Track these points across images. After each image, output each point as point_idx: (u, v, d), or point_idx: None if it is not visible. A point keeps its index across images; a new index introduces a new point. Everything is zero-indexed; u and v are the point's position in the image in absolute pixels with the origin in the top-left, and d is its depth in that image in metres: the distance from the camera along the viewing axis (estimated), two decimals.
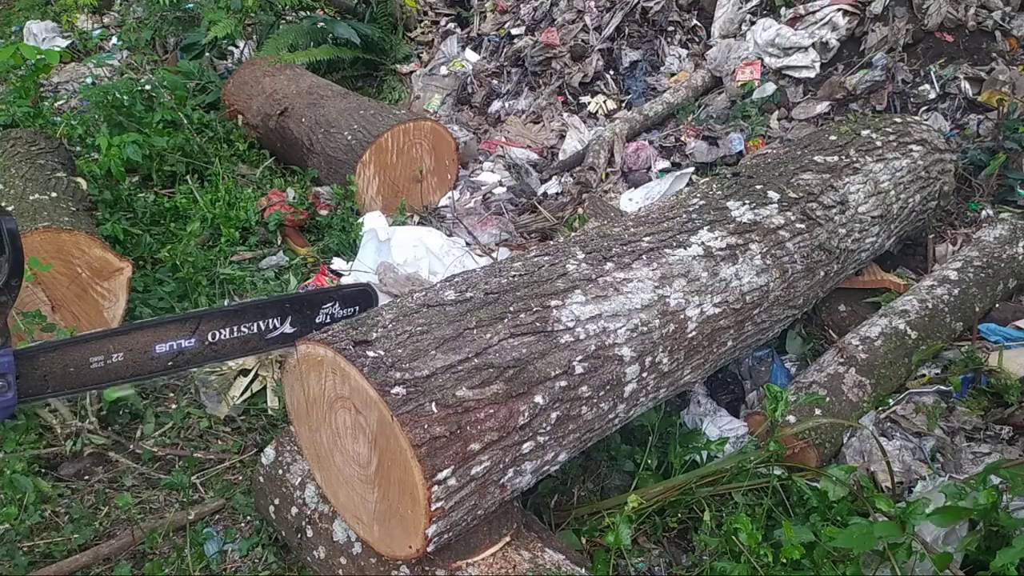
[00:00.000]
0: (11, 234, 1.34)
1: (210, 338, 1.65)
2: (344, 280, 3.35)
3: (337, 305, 1.84)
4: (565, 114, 4.84)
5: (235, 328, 1.68)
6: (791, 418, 2.18)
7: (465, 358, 1.49)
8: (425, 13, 6.28)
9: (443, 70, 5.59)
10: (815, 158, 2.56)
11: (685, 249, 2.00)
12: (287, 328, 1.74)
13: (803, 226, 2.29)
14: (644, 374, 1.81)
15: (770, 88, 4.29)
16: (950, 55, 4.01)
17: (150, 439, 2.60)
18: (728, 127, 4.20)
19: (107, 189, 3.74)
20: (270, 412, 2.74)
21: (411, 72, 5.74)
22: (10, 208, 2.89)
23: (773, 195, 2.31)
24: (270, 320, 1.72)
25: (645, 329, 1.80)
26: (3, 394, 1.42)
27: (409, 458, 1.38)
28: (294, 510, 1.99)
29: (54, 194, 3.08)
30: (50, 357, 1.49)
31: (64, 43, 6.46)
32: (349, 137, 3.98)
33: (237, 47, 5.77)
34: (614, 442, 2.28)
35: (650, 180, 4.03)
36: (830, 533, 1.67)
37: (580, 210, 3.71)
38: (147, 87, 4.48)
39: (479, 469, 1.47)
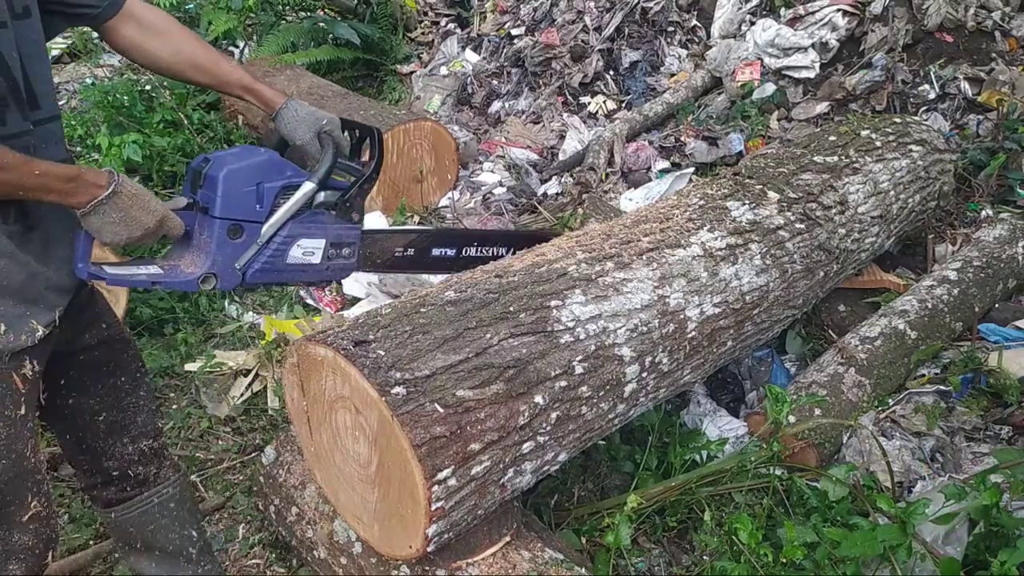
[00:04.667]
0: (380, 139, 1.71)
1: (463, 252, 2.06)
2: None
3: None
4: (565, 114, 4.84)
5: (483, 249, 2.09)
6: (791, 418, 2.18)
7: (465, 358, 1.49)
8: (425, 13, 6.28)
9: (443, 70, 5.58)
10: (815, 158, 2.56)
11: (685, 249, 2.00)
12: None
13: (803, 226, 2.29)
14: (644, 374, 1.81)
15: (770, 88, 4.29)
16: (950, 55, 4.01)
17: None
18: (728, 127, 4.20)
19: None
20: (270, 412, 2.74)
21: (411, 72, 5.73)
22: None
23: (773, 195, 2.31)
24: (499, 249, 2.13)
25: (645, 329, 1.80)
26: (347, 259, 1.74)
27: (409, 458, 1.38)
28: (294, 510, 1.99)
29: None
30: (369, 239, 1.84)
31: (64, 43, 6.46)
32: None
33: (237, 47, 5.76)
34: (614, 442, 2.29)
35: (650, 180, 4.03)
36: (832, 535, 1.66)
37: (580, 210, 3.70)
38: (147, 87, 4.48)
39: (479, 469, 1.47)
